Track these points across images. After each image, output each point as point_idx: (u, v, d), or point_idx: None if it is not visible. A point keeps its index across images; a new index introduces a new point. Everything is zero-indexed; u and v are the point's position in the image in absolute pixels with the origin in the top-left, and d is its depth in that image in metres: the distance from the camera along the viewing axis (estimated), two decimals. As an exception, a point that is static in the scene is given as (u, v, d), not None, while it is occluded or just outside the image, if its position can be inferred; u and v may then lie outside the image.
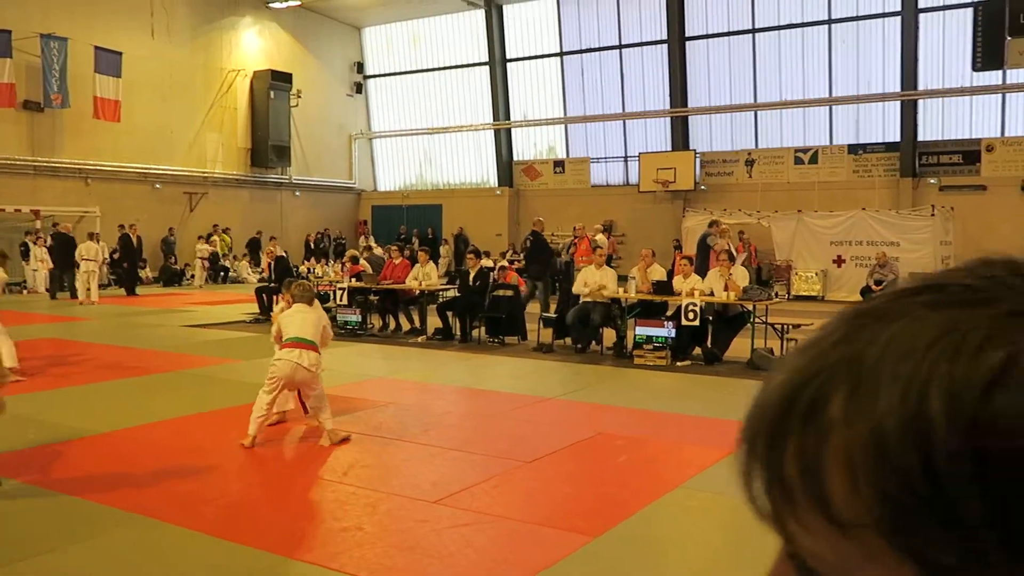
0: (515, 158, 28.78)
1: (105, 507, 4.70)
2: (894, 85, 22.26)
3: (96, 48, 22.32)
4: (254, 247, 25.80)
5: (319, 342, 6.17)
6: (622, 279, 11.49)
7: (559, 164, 27.62)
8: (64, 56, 21.60)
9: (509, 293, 11.84)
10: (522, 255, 15.85)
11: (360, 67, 31.12)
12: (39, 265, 19.88)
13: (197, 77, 25.70)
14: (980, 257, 0.41)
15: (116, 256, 20.88)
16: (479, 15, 28.10)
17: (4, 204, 20.70)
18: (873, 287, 16.84)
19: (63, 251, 18.71)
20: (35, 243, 20.18)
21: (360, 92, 31.21)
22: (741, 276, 10.36)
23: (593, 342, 10.96)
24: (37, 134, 21.91)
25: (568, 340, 11.01)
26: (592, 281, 10.82)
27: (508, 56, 28.31)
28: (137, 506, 4.71)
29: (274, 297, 14.99)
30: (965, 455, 0.34)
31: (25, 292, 20.20)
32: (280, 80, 27.10)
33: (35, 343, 10.44)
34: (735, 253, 13.48)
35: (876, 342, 0.38)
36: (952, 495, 0.33)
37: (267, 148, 26.90)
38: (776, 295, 12.81)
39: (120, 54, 22.81)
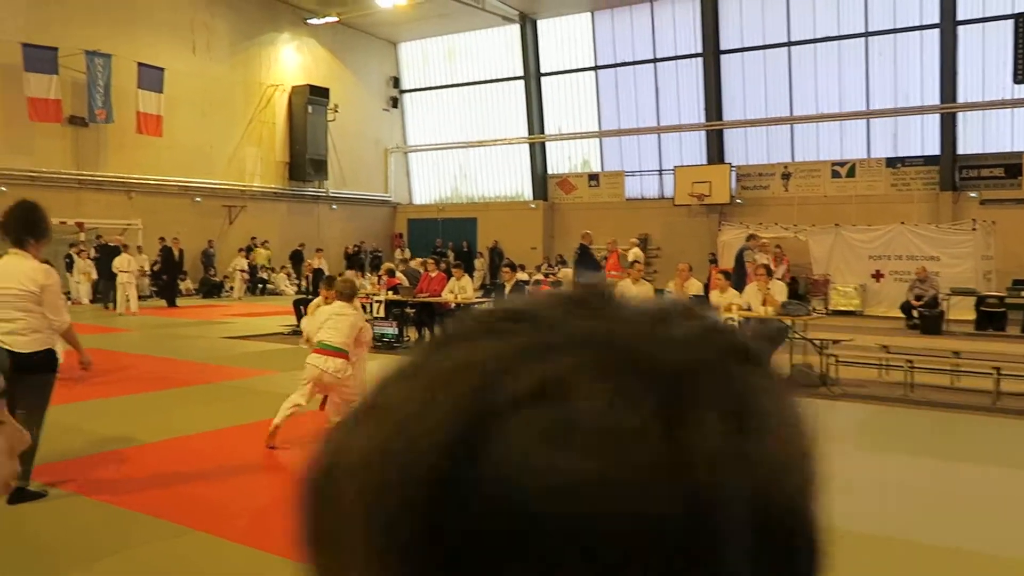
0: (550, 171, 28.84)
1: (145, 516, 4.78)
2: (933, 98, 21.98)
3: (139, 64, 22.81)
4: (297, 259, 26.10)
5: (352, 346, 6.17)
6: (658, 292, 11.45)
7: (594, 177, 27.63)
8: (108, 72, 22.10)
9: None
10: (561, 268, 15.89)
11: (396, 82, 31.44)
12: (81, 277, 20.28)
13: (237, 92, 26.14)
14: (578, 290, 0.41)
15: (156, 268, 21.23)
16: (514, 30, 28.26)
17: (51, 217, 21.10)
18: (913, 302, 16.58)
19: (109, 263, 19.10)
20: (79, 255, 20.59)
21: (396, 106, 31.52)
22: (779, 291, 10.27)
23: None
24: (82, 149, 22.42)
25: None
26: (629, 296, 10.79)
27: (543, 70, 28.43)
28: (176, 516, 4.78)
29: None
30: (445, 486, 0.32)
31: (69, 303, 20.57)
32: (318, 95, 27.47)
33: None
34: (773, 267, 13.39)
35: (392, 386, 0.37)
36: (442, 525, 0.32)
37: (305, 162, 27.25)
38: (814, 310, 12.68)
39: (162, 70, 23.29)
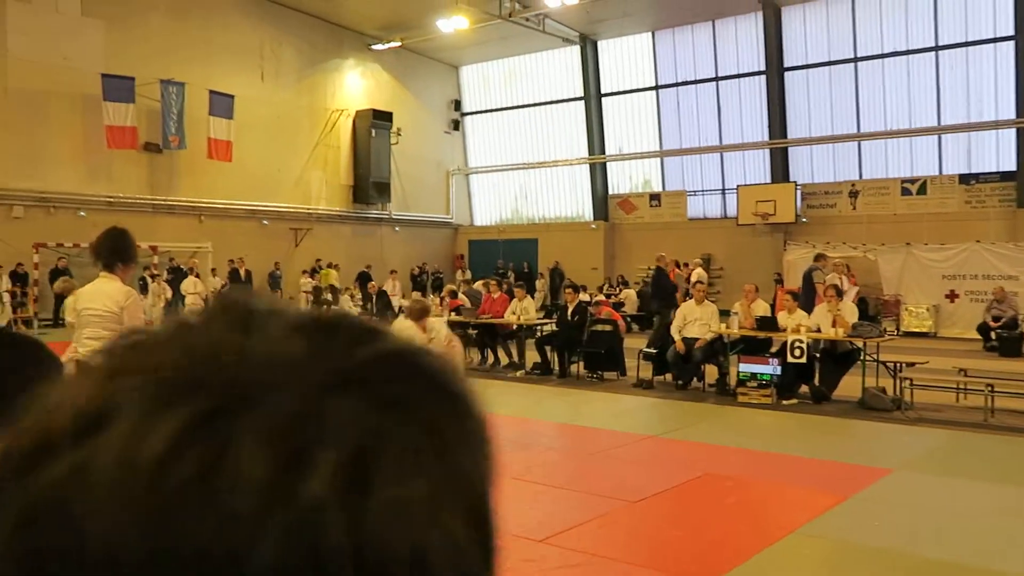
0: (610, 192, 28.76)
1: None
2: (1008, 112, 21.28)
3: (211, 92, 23.53)
4: (364, 280, 26.52)
5: None
6: (723, 313, 11.27)
7: (655, 197, 27.44)
8: (182, 100, 22.85)
9: (608, 328, 11.77)
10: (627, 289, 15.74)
11: (457, 105, 31.80)
12: (156, 300, 20.89)
13: (303, 117, 26.76)
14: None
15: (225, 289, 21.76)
16: (574, 51, 28.36)
17: (136, 242, 21.88)
18: (991, 323, 16.02)
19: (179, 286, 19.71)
20: (152, 279, 21.25)
21: (457, 129, 31.87)
22: (850, 312, 10.03)
23: (695, 379, 10.76)
24: (156, 174, 23.18)
25: (668, 376, 10.83)
26: (692, 317, 10.65)
27: (603, 91, 28.44)
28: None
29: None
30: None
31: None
32: (381, 119, 27.94)
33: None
34: (843, 287, 13.09)
35: None
36: None
37: (368, 185, 27.70)
38: (885, 331, 12.33)
39: (232, 97, 23.98)
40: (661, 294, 14.76)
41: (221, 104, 23.81)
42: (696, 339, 10.48)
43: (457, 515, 0.36)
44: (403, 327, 6.68)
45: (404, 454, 0.34)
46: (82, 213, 21.62)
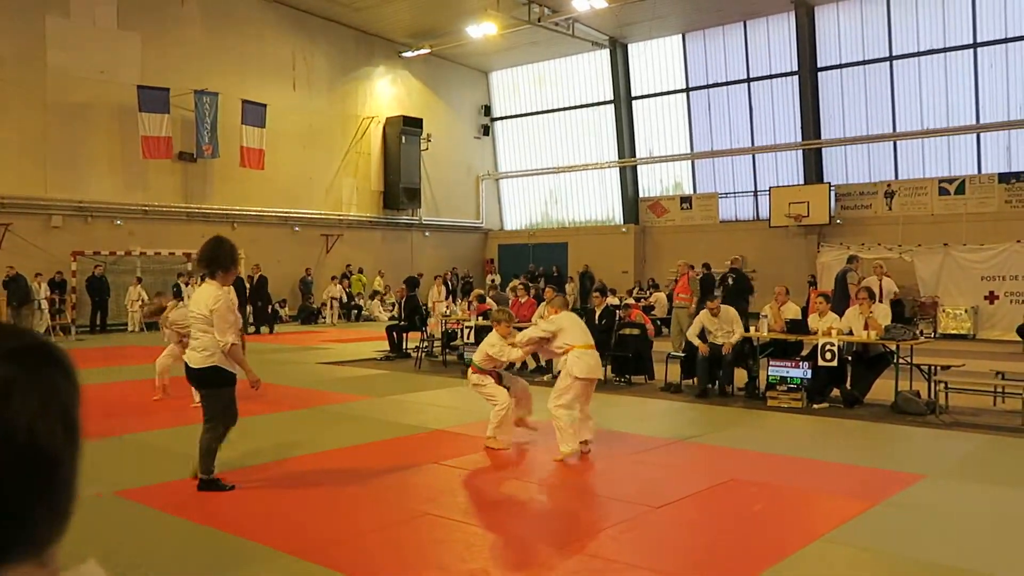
0: (641, 195, 28.61)
1: (245, 540, 4.88)
2: (1050, 108, 20.81)
3: (243, 101, 23.83)
4: (412, 286, 26.67)
5: (487, 363, 7.43)
6: (753, 316, 11.12)
7: (686, 200, 27.25)
8: (215, 110, 23.17)
9: (636, 332, 11.68)
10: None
11: (487, 110, 31.87)
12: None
13: (334, 125, 26.99)
14: None
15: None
16: (604, 54, 28.28)
17: (160, 247, 22.27)
18: (1032, 325, 15.65)
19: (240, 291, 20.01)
20: (187, 285, 21.52)
21: (487, 134, 31.93)
22: (882, 314, 9.84)
23: (727, 384, 10.62)
24: (190, 183, 23.53)
25: (696, 380, 10.68)
26: (712, 327, 10.48)
27: (633, 94, 28.31)
28: (275, 541, 4.87)
29: (405, 335, 15.44)
30: None
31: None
32: (411, 125, 28.10)
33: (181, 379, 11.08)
34: (878, 289, 12.89)
35: None
36: None
37: (399, 191, 27.86)
38: (921, 334, 12.08)
39: (264, 106, 24.27)
40: (738, 298, 14.58)
41: (254, 113, 24.10)
42: (723, 344, 10.34)
43: (56, 418, 0.78)
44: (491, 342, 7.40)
45: (28, 385, 0.74)
46: (118, 222, 22.01)
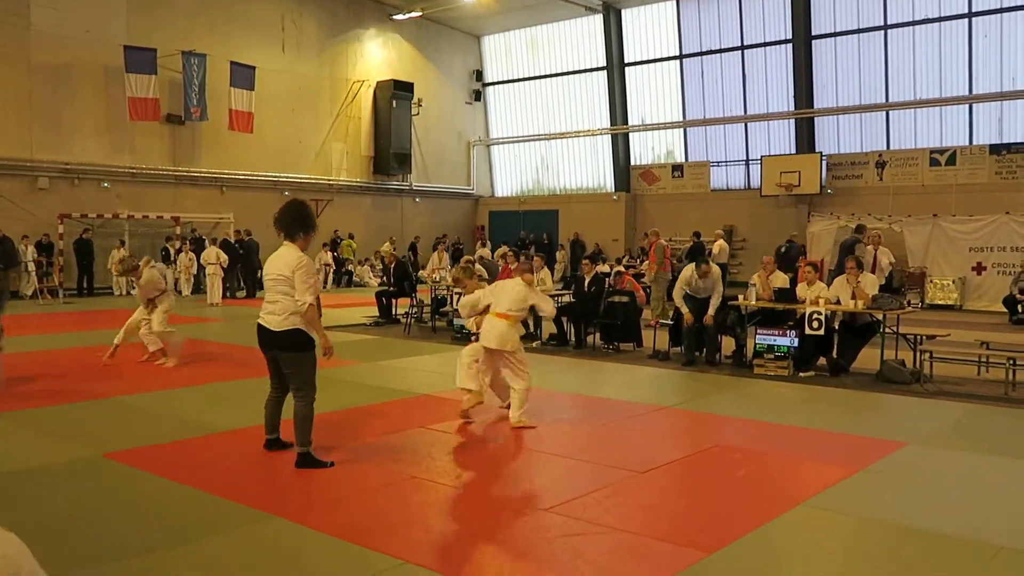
0: (632, 163, 28.51)
1: (234, 503, 4.91)
2: (1043, 80, 20.76)
3: (232, 63, 23.55)
4: (415, 252, 26.81)
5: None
6: (742, 285, 11.13)
7: (677, 168, 27.17)
8: (203, 72, 22.89)
9: (625, 299, 11.70)
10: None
11: (479, 75, 31.59)
12: (184, 270, 21.06)
13: (324, 88, 26.72)
14: None
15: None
16: (597, 20, 28.01)
17: (148, 211, 22.11)
18: (1018, 296, 15.76)
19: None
20: (178, 251, 21.37)
21: (479, 100, 31.68)
22: (870, 284, 9.88)
23: (714, 352, 10.66)
24: (178, 146, 23.30)
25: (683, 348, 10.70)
26: (696, 281, 10.37)
27: (626, 60, 28.09)
28: (264, 504, 4.89)
29: (394, 301, 15.43)
30: None
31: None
32: (402, 90, 27.84)
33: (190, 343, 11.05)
34: (872, 259, 12.96)
35: None
36: None
37: (389, 156, 27.68)
38: (909, 304, 12.14)
39: (253, 68, 23.98)
40: (791, 263, 14.80)
41: (242, 75, 23.82)
42: (705, 300, 10.29)
43: None
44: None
45: None
46: (106, 184, 21.83)
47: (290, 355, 5.56)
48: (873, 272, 13.91)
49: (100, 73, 21.54)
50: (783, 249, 17.90)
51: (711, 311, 10.25)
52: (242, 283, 21.90)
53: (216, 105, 23.17)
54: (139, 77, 21.66)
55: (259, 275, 22.14)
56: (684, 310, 10.43)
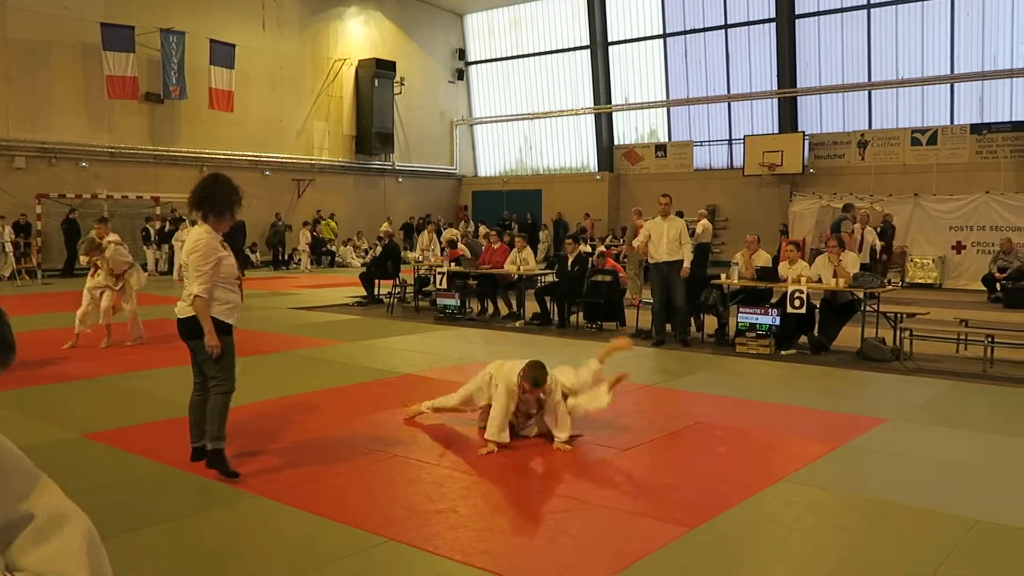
0: (616, 142, 28.46)
1: (215, 482, 4.89)
2: None
3: (211, 41, 23.25)
4: (408, 232, 26.76)
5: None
6: (724, 264, 11.16)
7: (661, 148, 27.16)
8: (182, 49, 22.59)
9: (608, 279, 11.72)
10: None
11: (462, 54, 31.37)
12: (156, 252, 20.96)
13: (305, 67, 26.46)
14: None
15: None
16: (580, -2, 27.85)
17: (128, 191, 21.87)
18: (996, 275, 15.91)
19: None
20: (158, 230, 21.21)
21: (462, 79, 31.48)
22: (851, 262, 9.94)
23: (693, 329, 10.71)
24: (157, 125, 23.03)
25: (668, 327, 10.69)
26: (659, 234, 10.22)
27: (610, 39, 27.97)
28: (244, 483, 4.87)
29: (377, 281, 15.37)
30: None
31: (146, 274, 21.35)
32: (384, 68, 27.61)
33: (156, 322, 10.98)
34: (859, 237, 13.04)
35: None
36: None
37: (371, 135, 27.49)
38: (889, 282, 12.24)
39: (233, 46, 23.69)
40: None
41: (222, 53, 23.54)
42: (669, 264, 10.19)
43: None
44: None
45: None
46: (84, 164, 21.57)
47: (200, 342, 5.03)
48: (860, 250, 14.00)
49: (77, 51, 21.22)
50: (878, 230, 17.49)
51: (686, 263, 10.19)
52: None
53: (196, 84, 22.89)
54: (117, 55, 21.35)
55: (246, 255, 22.15)
56: (640, 245, 10.43)
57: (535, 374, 5.65)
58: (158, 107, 22.88)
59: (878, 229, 17.29)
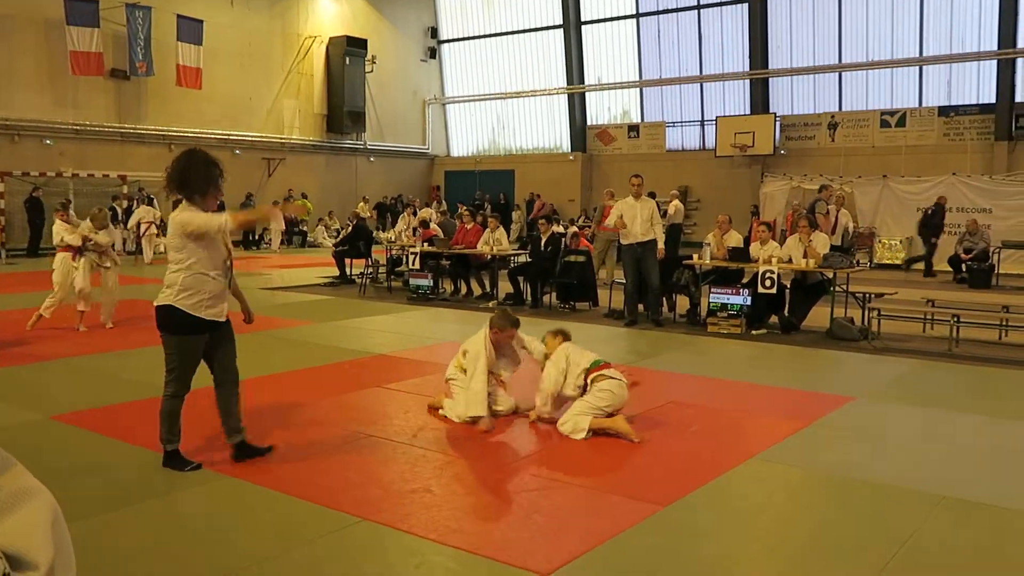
0: (589, 123, 28.42)
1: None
2: (990, 43, 21.09)
3: (178, 17, 22.82)
4: (382, 211, 26.55)
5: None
6: (696, 245, 11.22)
7: (633, 129, 27.17)
8: (148, 25, 22.15)
9: (581, 259, 11.74)
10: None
11: (434, 32, 31.08)
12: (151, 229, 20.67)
13: (275, 44, 26.07)
14: None
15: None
16: (554, -23, 27.66)
17: (94, 169, 21.48)
18: (962, 256, 16.14)
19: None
20: (125, 209, 20.87)
21: (434, 57, 31.21)
22: (821, 243, 10.03)
23: (665, 309, 10.77)
24: (124, 102, 22.60)
25: (641, 307, 10.73)
26: (631, 215, 10.17)
27: (583, 19, 27.86)
28: (217, 465, 4.84)
29: (349, 260, 15.27)
30: None
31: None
32: (355, 46, 27.29)
33: (130, 303, 10.81)
34: (833, 219, 13.15)
35: None
36: None
37: (342, 114, 27.20)
38: (858, 263, 12.39)
39: (201, 22, 23.27)
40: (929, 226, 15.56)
41: (190, 29, 23.12)
42: (642, 245, 10.18)
43: None
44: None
45: None
46: (48, 142, 21.13)
47: (167, 336, 4.71)
48: (833, 232, 14.11)
49: (40, 25, 20.72)
50: (929, 212, 17.68)
51: (660, 243, 10.23)
52: None
53: (163, 60, 22.48)
54: (81, 30, 20.88)
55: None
56: (615, 222, 10.33)
57: (499, 320, 5.91)
58: (124, 84, 22.45)
59: (929, 211, 17.59)
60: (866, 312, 9.53)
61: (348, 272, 15.09)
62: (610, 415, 5.58)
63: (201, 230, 4.56)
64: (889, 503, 4.35)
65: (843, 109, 23.43)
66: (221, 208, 5.07)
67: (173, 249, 4.69)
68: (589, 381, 5.67)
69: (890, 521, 4.09)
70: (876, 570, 3.51)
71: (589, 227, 16.21)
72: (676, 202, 18.69)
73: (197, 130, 23.91)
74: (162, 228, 20.13)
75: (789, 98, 24.50)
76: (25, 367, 7.58)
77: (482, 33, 30.31)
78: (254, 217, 4.59)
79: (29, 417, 5.86)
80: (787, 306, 9.98)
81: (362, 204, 25.51)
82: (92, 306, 9.62)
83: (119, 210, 21.15)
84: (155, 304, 4.72)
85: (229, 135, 24.70)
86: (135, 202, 21.03)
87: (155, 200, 21.27)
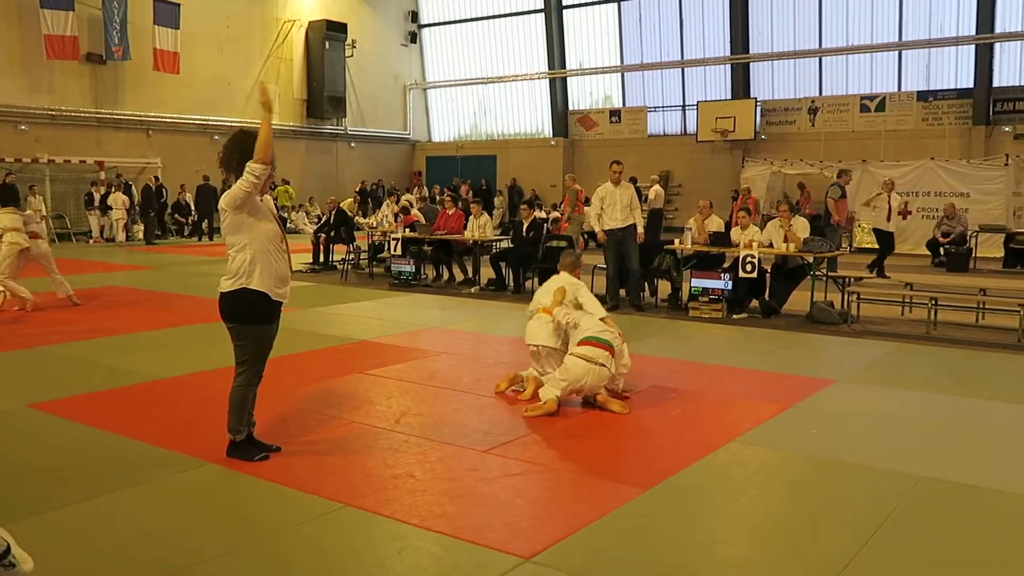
0: (570, 108, 28.37)
1: (167, 451, 4.82)
2: (969, 28, 21.22)
3: (155, 0, 22.51)
4: (363, 197, 26.31)
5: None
6: (677, 230, 11.24)
7: (615, 114, 27.15)
8: (124, 8, 21.84)
9: (563, 244, 11.74)
10: None
11: (415, 16, 30.86)
12: (121, 215, 20.51)
13: (254, 28, 25.80)
14: None
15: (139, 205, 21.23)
16: (535, -40, 27.51)
17: (70, 155, 21.21)
18: (940, 239, 16.29)
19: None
20: (103, 196, 20.69)
21: (415, 42, 31.00)
22: (801, 227, 10.09)
23: (647, 294, 10.80)
24: (100, 87, 22.31)
25: (622, 292, 10.78)
26: (611, 201, 10.18)
27: (564, 3, 27.75)
28: (199, 452, 4.81)
29: (331, 246, 15.19)
30: None
31: (91, 241, 20.83)
32: (335, 30, 27.05)
33: (101, 291, 10.73)
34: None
35: None
36: None
37: (322, 99, 26.99)
38: (837, 247, 12.46)
39: (178, 5, 22.99)
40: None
41: (166, 13, 22.84)
42: (623, 230, 10.20)
43: None
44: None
45: None
46: (23, 127, 20.85)
47: (236, 326, 4.65)
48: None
49: (12, 8, 20.38)
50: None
51: (640, 229, 10.28)
52: (174, 229, 21.57)
53: (139, 44, 22.19)
54: (55, 13, 20.57)
55: (214, 221, 21.74)
56: (597, 228, 10.38)
57: (572, 260, 6.97)
58: (100, 68, 22.15)
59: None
60: (846, 296, 9.61)
61: (330, 259, 15.02)
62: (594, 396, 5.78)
63: (242, 190, 4.41)
64: (868, 484, 4.40)
65: (823, 94, 23.53)
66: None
67: (229, 233, 4.57)
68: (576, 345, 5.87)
69: (868, 501, 4.13)
70: (855, 549, 3.55)
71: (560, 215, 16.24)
72: (656, 187, 18.75)
73: (175, 115, 23.68)
74: (135, 212, 20.32)
75: (770, 83, 24.56)
76: (1, 354, 7.49)
77: (463, 17, 30.12)
78: (265, 132, 4.38)
79: (5, 405, 5.80)
80: (768, 290, 10.04)
81: (349, 201, 25.37)
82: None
83: (96, 196, 20.95)
84: (221, 292, 4.58)
85: (208, 120, 24.45)
86: (112, 188, 20.82)
87: (132, 187, 21.14)
